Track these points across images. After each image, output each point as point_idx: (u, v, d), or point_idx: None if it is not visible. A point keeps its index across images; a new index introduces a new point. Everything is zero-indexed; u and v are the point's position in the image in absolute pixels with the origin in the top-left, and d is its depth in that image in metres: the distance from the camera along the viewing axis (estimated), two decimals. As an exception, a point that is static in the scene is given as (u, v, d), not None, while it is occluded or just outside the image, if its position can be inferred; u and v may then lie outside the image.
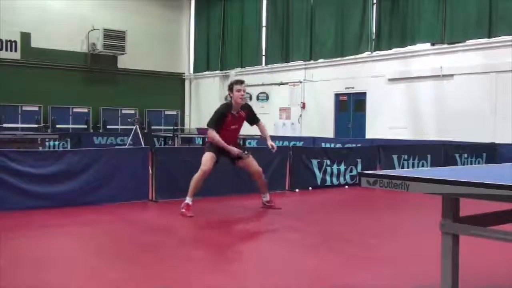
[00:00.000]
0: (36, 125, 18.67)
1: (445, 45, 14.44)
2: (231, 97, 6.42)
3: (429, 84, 14.74)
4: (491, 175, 3.12)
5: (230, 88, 6.41)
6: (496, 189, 2.34)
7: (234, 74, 21.06)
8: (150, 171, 7.31)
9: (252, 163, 6.49)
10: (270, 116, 19.37)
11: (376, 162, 9.71)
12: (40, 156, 6.64)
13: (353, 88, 16.98)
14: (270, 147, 6.54)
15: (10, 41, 18.77)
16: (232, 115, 6.39)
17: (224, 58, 21.75)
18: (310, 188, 8.72)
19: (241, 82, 6.46)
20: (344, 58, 17.13)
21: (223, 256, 4.48)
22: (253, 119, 6.69)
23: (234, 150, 6.34)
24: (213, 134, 6.26)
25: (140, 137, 14.02)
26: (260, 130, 6.80)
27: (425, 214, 5.03)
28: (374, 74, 16.24)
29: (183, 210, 6.06)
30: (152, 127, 21.26)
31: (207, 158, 6.23)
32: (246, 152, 6.48)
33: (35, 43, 19.27)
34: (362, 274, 3.98)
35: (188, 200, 6.13)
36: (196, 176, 6.18)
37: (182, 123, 23.12)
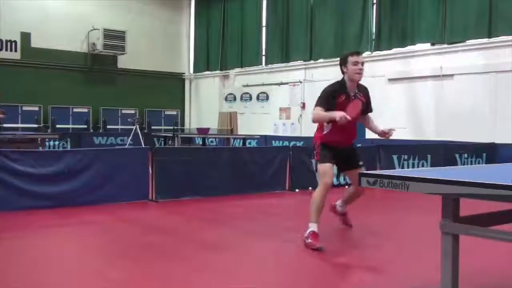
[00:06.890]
0: (36, 125, 18.66)
1: (445, 45, 14.42)
2: (344, 73, 4.95)
3: (429, 84, 14.73)
4: (491, 175, 3.12)
5: (344, 61, 4.91)
6: (496, 189, 2.34)
7: (234, 74, 21.07)
8: (150, 171, 7.31)
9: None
10: (270, 116, 19.37)
11: (376, 162, 9.70)
12: (40, 156, 6.65)
13: (353, 88, 16.94)
14: (386, 134, 5.01)
15: (10, 41, 18.73)
16: (347, 97, 4.91)
17: (224, 58, 21.72)
18: (310, 188, 8.69)
19: (357, 52, 4.98)
20: (344, 58, 17.09)
21: (223, 256, 4.47)
22: (368, 107, 5.21)
23: (337, 114, 4.64)
24: (316, 111, 4.83)
25: (140, 137, 14.02)
26: (368, 121, 5.35)
27: (425, 214, 5.02)
28: (374, 74, 16.21)
29: (309, 241, 4.63)
30: (152, 127, 21.23)
31: (326, 170, 4.80)
32: (360, 163, 5.12)
33: (35, 43, 19.23)
34: (362, 274, 3.98)
35: (312, 227, 4.71)
36: (318, 194, 4.75)
37: (182, 123, 23.09)
